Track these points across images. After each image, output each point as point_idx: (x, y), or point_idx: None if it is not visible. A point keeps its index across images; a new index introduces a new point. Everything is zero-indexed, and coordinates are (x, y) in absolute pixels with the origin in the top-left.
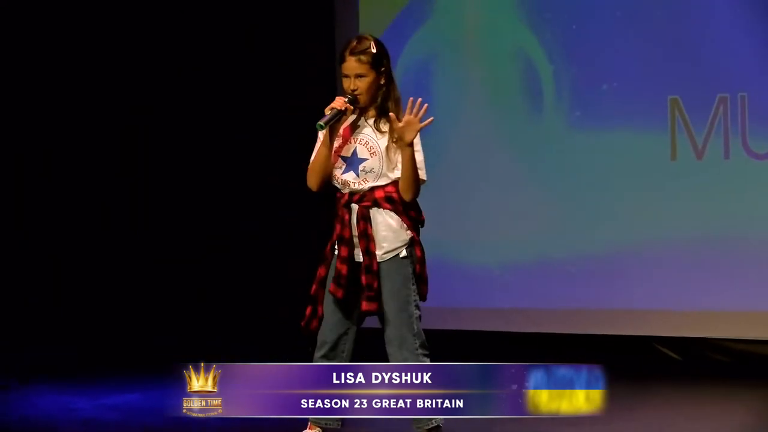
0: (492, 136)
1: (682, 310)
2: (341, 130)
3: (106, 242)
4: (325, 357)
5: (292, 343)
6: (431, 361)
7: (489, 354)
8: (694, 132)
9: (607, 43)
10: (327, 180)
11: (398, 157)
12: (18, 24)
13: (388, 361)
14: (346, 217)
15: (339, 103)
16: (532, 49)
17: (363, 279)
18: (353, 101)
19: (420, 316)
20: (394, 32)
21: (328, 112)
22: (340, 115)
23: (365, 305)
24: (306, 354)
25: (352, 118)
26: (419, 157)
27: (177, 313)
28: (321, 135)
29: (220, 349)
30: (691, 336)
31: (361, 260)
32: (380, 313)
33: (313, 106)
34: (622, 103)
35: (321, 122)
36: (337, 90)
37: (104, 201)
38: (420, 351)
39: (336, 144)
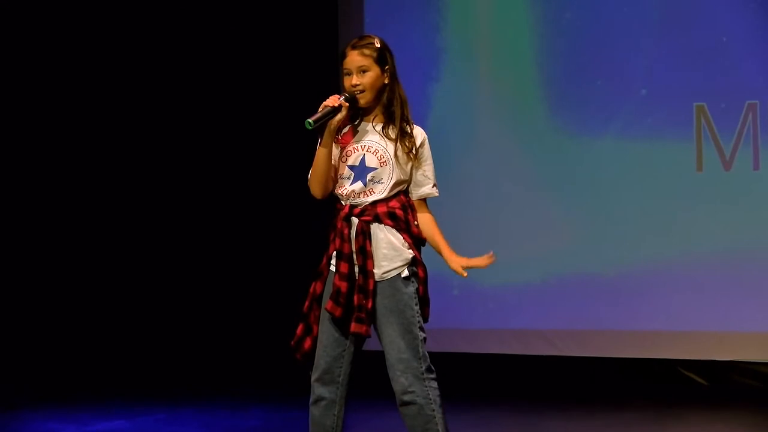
0: (507, 148)
1: (709, 331)
2: (348, 134)
3: (103, 245)
4: (320, 380)
5: (291, 357)
6: (438, 386)
7: (503, 379)
8: (721, 141)
9: (629, 48)
10: (331, 187)
11: (409, 167)
12: (18, 24)
13: (390, 387)
14: (346, 231)
15: (332, 100)
16: (549, 54)
17: (355, 299)
18: (351, 99)
19: (425, 339)
20: (400, 33)
21: (321, 110)
22: (333, 113)
23: (354, 326)
24: (305, 378)
25: (360, 121)
26: (430, 170)
27: (171, 326)
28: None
29: (218, 360)
30: (718, 359)
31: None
32: (379, 336)
33: (314, 107)
34: (645, 110)
35: (309, 120)
36: (340, 91)
37: (101, 208)
38: (426, 375)
39: (335, 151)
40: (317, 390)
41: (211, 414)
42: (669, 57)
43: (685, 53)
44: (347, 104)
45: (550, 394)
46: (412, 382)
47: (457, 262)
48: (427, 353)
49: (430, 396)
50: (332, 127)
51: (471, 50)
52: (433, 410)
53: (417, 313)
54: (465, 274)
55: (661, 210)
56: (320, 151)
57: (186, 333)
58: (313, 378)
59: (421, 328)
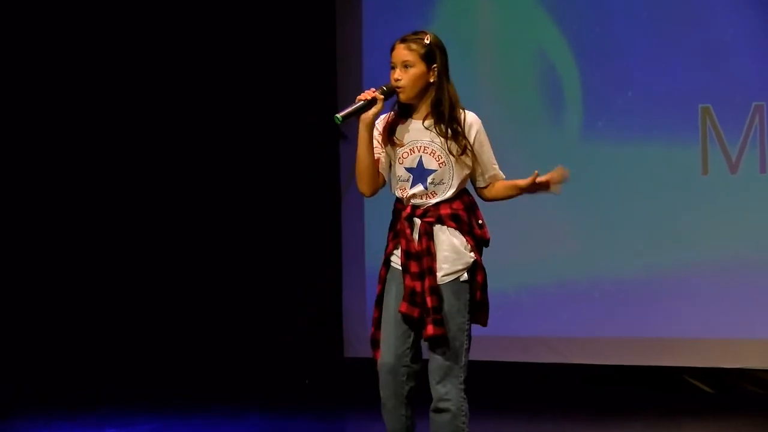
0: (508, 147)
1: (715, 338)
2: (401, 135)
3: (95, 251)
4: (384, 382)
5: (290, 365)
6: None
7: (505, 388)
8: (727, 143)
9: (633, 47)
10: (381, 182)
11: (469, 161)
12: (18, 24)
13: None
14: (408, 231)
15: (367, 94)
16: (551, 54)
17: (429, 300)
18: (388, 92)
19: (469, 348)
20: (400, 31)
21: (354, 104)
22: (367, 107)
23: (432, 329)
24: (303, 386)
25: (411, 121)
26: (491, 154)
27: (167, 333)
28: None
29: (215, 368)
30: (725, 367)
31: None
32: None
33: (311, 106)
34: (649, 112)
35: (338, 115)
36: (337, 92)
37: (95, 217)
38: (462, 386)
39: (391, 152)
40: (382, 392)
41: (208, 422)
42: (674, 58)
43: (691, 54)
44: (382, 97)
45: (554, 402)
46: (449, 390)
47: (527, 182)
48: (468, 363)
49: (464, 408)
50: (368, 120)
51: (470, 50)
52: (464, 423)
53: (467, 320)
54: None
55: (666, 214)
56: (363, 153)
57: (182, 340)
58: (381, 383)
59: (468, 336)
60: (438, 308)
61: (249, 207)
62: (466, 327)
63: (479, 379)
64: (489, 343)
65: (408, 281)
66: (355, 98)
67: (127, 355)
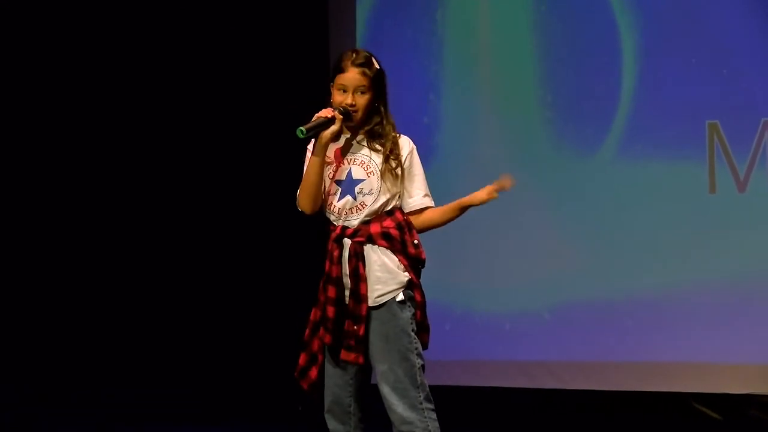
0: (507, 166)
1: (723, 362)
2: (333, 151)
3: (98, 250)
4: (330, 412)
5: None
6: (437, 419)
7: (506, 414)
8: (735, 161)
9: (637, 63)
10: (320, 202)
11: (397, 182)
12: (17, 24)
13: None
14: (336, 252)
15: (327, 112)
16: (552, 70)
17: (346, 324)
18: (346, 113)
19: (423, 366)
20: (393, 42)
21: (314, 120)
22: (327, 125)
23: (343, 354)
24: (295, 412)
25: (344, 138)
26: (420, 180)
27: (161, 343)
28: (308, 154)
29: (200, 392)
30: (733, 392)
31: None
32: (372, 365)
33: (306, 115)
34: (654, 128)
35: (302, 128)
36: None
37: (87, 221)
38: (425, 405)
39: (328, 170)
40: (329, 423)
41: None
42: (680, 73)
43: (697, 68)
44: (341, 117)
45: (556, 429)
46: (410, 413)
47: (480, 194)
48: (425, 381)
49: (430, 427)
50: (324, 140)
51: (468, 56)
52: None
53: (414, 339)
54: (497, 196)
55: (672, 234)
56: (313, 162)
57: (177, 351)
58: (325, 411)
59: (419, 355)
60: (351, 333)
61: (245, 211)
62: (415, 347)
63: (480, 406)
64: (489, 369)
65: (326, 306)
66: (314, 114)
67: (117, 363)
